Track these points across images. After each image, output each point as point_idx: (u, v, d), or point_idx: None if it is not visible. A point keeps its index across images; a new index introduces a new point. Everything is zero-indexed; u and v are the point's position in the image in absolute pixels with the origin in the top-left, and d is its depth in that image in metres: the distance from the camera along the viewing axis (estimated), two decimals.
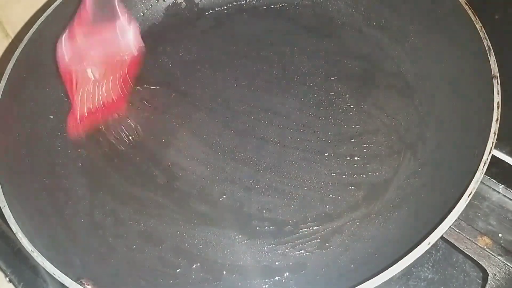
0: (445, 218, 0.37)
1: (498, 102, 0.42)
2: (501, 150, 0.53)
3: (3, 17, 0.62)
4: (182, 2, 0.65)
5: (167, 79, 0.59)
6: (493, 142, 0.40)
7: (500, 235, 0.50)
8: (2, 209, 0.42)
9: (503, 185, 0.53)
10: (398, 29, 0.57)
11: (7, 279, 0.53)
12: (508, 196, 0.53)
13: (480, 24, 0.47)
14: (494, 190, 0.54)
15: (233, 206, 0.49)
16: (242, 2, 0.65)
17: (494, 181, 0.54)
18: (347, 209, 0.48)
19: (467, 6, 0.48)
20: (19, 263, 0.54)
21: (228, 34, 0.62)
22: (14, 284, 0.53)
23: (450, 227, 0.37)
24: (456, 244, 0.47)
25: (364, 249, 0.45)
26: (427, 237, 0.37)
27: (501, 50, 0.45)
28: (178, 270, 0.46)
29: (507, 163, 0.53)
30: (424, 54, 0.55)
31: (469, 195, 0.38)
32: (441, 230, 0.37)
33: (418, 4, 0.55)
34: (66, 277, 0.38)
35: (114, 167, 0.53)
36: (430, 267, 0.50)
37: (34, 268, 0.53)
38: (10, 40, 0.65)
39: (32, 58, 0.53)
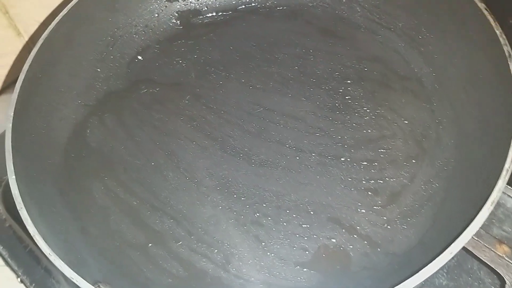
0: (467, 226, 0.37)
1: None
2: None
3: (15, 15, 0.62)
4: (196, 4, 0.64)
5: (181, 80, 0.59)
6: None
7: None
8: (20, 211, 0.41)
9: None
10: (415, 33, 0.57)
11: (19, 279, 0.53)
12: None
13: (500, 30, 0.46)
14: (509, 196, 0.53)
15: (249, 208, 0.49)
16: (257, 4, 0.64)
17: (510, 187, 0.53)
18: (365, 215, 0.47)
19: (486, 11, 0.48)
20: (31, 263, 0.54)
21: (243, 35, 0.62)
22: (25, 285, 0.53)
23: None
24: (474, 251, 0.46)
25: (382, 257, 0.45)
26: (449, 246, 0.37)
27: None
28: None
29: None
30: (441, 58, 0.54)
31: (492, 203, 0.38)
32: (464, 239, 0.37)
33: (436, 8, 0.55)
34: (84, 281, 0.37)
35: (128, 169, 0.52)
36: (444, 273, 0.49)
37: (46, 268, 0.53)
38: (22, 38, 0.65)
39: (47, 59, 0.53)
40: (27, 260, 0.54)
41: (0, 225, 0.56)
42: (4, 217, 0.57)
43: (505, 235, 0.50)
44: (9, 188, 0.57)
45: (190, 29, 0.63)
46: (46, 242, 0.39)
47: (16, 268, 0.53)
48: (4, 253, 0.55)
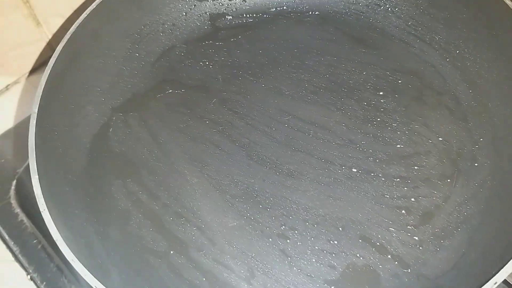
0: (506, 263, 0.35)
1: None
2: None
3: (36, 5, 0.60)
4: (225, 4, 0.62)
5: (207, 83, 0.57)
6: None
7: None
8: (42, 213, 0.40)
9: None
10: (452, 47, 0.55)
11: (29, 277, 0.52)
12: None
13: None
14: None
15: (275, 220, 0.47)
16: (288, 8, 0.62)
17: None
18: (396, 235, 0.46)
19: None
20: (43, 261, 0.53)
21: (272, 39, 0.60)
22: (35, 283, 0.51)
23: None
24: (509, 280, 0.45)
25: (413, 279, 0.43)
26: (492, 275, 0.35)
27: None
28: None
29: None
30: (479, 75, 0.53)
31: None
32: (509, 268, 0.35)
33: (475, 22, 0.53)
34: None
35: (151, 173, 0.51)
36: None
37: (59, 267, 0.52)
38: (41, 29, 0.63)
39: (72, 54, 0.51)
40: (39, 257, 0.53)
41: (12, 219, 0.55)
42: (16, 211, 0.55)
43: None
44: (23, 182, 0.57)
45: (218, 31, 0.61)
46: (69, 247, 0.38)
47: (27, 265, 0.52)
48: (15, 248, 0.53)
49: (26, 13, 0.61)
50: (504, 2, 0.49)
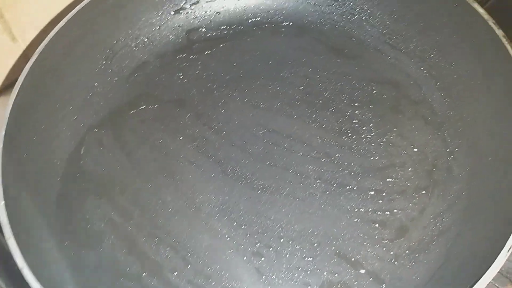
0: (483, 274, 0.35)
1: None
2: None
3: (11, 19, 0.59)
4: (200, 17, 0.62)
5: (182, 97, 0.57)
6: None
7: None
8: (7, 240, 0.39)
9: None
10: (427, 55, 0.55)
11: None
12: None
13: None
14: None
15: (250, 238, 0.47)
16: (263, 19, 0.62)
17: None
18: (371, 250, 0.45)
19: (504, 39, 0.46)
20: (20, 282, 0.52)
21: (247, 51, 0.59)
22: None
23: None
24: None
25: None
26: None
27: None
28: None
29: None
30: (453, 83, 0.52)
31: (510, 249, 0.36)
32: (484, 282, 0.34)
33: (450, 30, 0.53)
34: None
35: (124, 192, 0.50)
36: None
37: None
38: (17, 43, 0.62)
39: (43, 72, 0.51)
40: (16, 277, 0.51)
41: None
42: None
43: None
44: None
45: (193, 44, 0.61)
46: (35, 276, 0.37)
47: (3, 286, 0.51)
48: None
49: (0, 28, 0.60)
50: (476, 10, 0.49)
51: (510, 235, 0.36)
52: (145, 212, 0.49)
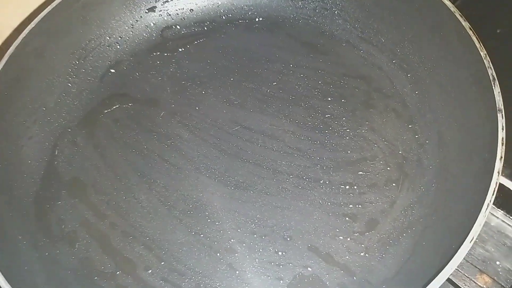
0: (447, 263, 0.36)
1: (502, 138, 0.40)
2: (501, 173, 0.51)
3: None
4: (172, 14, 0.62)
5: (155, 95, 0.57)
6: (496, 183, 0.39)
7: (498, 262, 0.49)
8: None
9: (502, 211, 0.51)
10: (398, 49, 0.55)
11: None
12: (506, 222, 0.51)
13: (485, 52, 0.45)
14: (493, 215, 0.52)
15: (223, 234, 0.47)
16: (235, 15, 0.62)
17: (494, 206, 0.52)
18: (342, 243, 0.46)
19: (471, 31, 0.46)
20: None
21: (221, 48, 0.60)
22: None
23: None
24: (454, 281, 0.45)
25: (358, 287, 0.43)
26: (427, 284, 0.35)
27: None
28: None
29: (507, 187, 0.52)
30: (424, 77, 0.53)
31: (472, 240, 0.37)
32: (442, 278, 0.35)
33: (420, 24, 0.53)
34: None
35: (98, 191, 0.50)
36: None
37: None
38: None
39: (14, 74, 0.51)
40: None
41: None
42: None
43: (488, 255, 0.49)
44: None
45: (166, 41, 0.61)
46: (5, 277, 0.37)
47: None
48: None
49: None
50: (444, 3, 0.49)
51: (473, 226, 0.37)
52: (119, 211, 0.49)
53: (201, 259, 0.46)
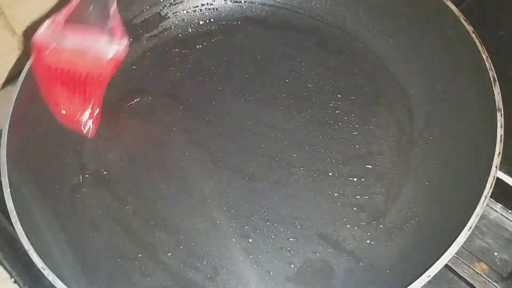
0: (446, 250, 0.39)
1: (501, 136, 0.43)
2: (500, 169, 0.54)
3: (10, 15, 0.62)
4: (191, 12, 0.65)
5: (174, 90, 0.60)
6: (494, 176, 0.42)
7: (495, 253, 0.51)
8: (14, 224, 0.43)
9: (500, 205, 0.54)
10: (405, 52, 0.58)
11: (12, 280, 0.54)
12: (505, 215, 0.54)
13: (487, 54, 0.47)
14: (492, 208, 0.55)
15: (238, 221, 0.50)
16: (253, 16, 0.65)
17: (492, 200, 0.54)
18: (350, 231, 0.49)
19: (474, 35, 0.49)
20: (25, 265, 0.55)
21: (237, 46, 0.63)
22: (19, 286, 0.54)
23: None
24: (453, 267, 0.48)
25: (364, 274, 0.46)
26: (428, 268, 0.38)
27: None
28: None
29: (505, 182, 0.54)
30: (429, 78, 0.55)
31: (470, 228, 0.39)
32: (441, 263, 0.38)
33: (426, 26, 0.56)
34: None
35: (121, 181, 0.54)
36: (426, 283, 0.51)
37: (40, 272, 0.54)
38: (17, 38, 0.65)
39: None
40: (21, 261, 0.55)
41: None
42: None
43: (486, 246, 0.52)
44: None
45: (185, 39, 0.64)
46: (39, 255, 0.41)
47: (10, 269, 0.55)
48: None
49: (1, 24, 0.62)
50: (450, 8, 0.52)
51: (471, 215, 0.40)
52: (141, 199, 0.52)
53: (217, 244, 0.49)
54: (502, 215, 0.54)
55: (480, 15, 0.53)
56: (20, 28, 0.64)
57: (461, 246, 0.48)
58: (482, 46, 0.48)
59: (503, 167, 0.53)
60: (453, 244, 0.38)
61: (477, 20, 0.52)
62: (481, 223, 0.54)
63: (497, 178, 0.52)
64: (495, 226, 0.53)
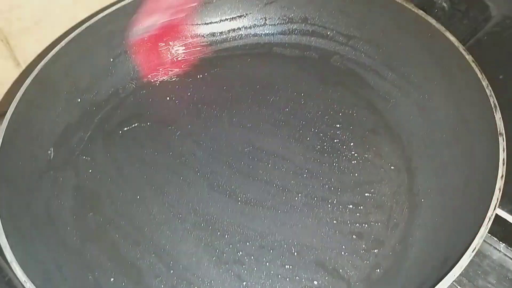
0: (448, 272, 0.37)
1: (503, 159, 0.42)
2: (502, 208, 0.53)
3: (16, 46, 0.63)
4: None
5: (172, 117, 0.60)
6: (498, 198, 0.40)
7: None
8: None
9: (504, 244, 0.52)
10: (406, 83, 0.58)
11: None
12: (508, 255, 0.52)
13: (487, 82, 0.48)
14: (495, 248, 0.53)
15: (232, 247, 0.48)
16: (252, 47, 0.66)
17: (495, 239, 0.53)
18: (348, 259, 0.47)
19: (474, 64, 0.49)
20: None
21: (237, 77, 0.63)
22: None
23: (452, 282, 0.37)
24: None
25: None
26: None
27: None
28: None
29: (508, 221, 0.53)
30: (429, 107, 0.55)
31: (473, 250, 0.38)
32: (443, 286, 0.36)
33: (424, 56, 0.56)
34: None
35: (113, 203, 0.52)
36: None
37: None
38: (21, 69, 0.66)
39: (42, 87, 0.54)
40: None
41: None
42: None
43: (490, 287, 0.50)
44: None
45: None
46: (22, 269, 0.39)
47: None
48: None
49: (7, 54, 0.63)
50: (449, 39, 0.53)
51: (473, 240, 0.38)
52: (132, 222, 0.51)
53: (210, 269, 0.47)
54: (506, 255, 0.52)
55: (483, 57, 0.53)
56: (24, 59, 0.65)
57: (465, 279, 0.47)
58: (481, 74, 0.48)
59: (506, 206, 0.52)
60: (458, 263, 0.37)
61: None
62: (485, 263, 0.52)
63: (500, 217, 0.52)
64: (499, 266, 0.52)
